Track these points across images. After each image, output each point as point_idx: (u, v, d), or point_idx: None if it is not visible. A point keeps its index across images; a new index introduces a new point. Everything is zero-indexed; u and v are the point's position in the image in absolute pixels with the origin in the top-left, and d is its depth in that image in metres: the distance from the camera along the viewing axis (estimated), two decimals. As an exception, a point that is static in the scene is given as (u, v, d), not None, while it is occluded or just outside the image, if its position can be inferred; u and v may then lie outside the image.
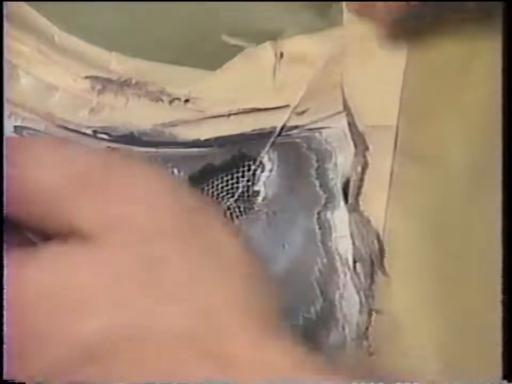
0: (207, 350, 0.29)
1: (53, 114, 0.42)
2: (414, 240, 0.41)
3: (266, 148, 0.42)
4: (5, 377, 0.32)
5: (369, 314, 0.41)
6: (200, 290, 0.31)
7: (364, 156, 0.42)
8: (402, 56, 0.42)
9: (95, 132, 0.43)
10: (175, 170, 0.43)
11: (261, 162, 0.43)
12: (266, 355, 0.29)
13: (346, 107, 0.42)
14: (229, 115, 0.43)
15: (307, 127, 0.43)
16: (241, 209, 0.43)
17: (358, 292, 0.41)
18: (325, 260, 0.42)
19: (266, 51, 0.43)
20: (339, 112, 0.42)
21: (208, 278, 0.31)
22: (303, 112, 0.43)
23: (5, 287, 0.31)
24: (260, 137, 0.43)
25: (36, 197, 0.32)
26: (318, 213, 0.42)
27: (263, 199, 0.43)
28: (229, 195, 0.43)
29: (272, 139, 0.42)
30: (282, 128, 0.42)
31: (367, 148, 0.42)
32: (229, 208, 0.43)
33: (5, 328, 0.31)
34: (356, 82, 0.42)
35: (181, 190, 0.34)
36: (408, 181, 0.42)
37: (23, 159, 0.32)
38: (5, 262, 0.31)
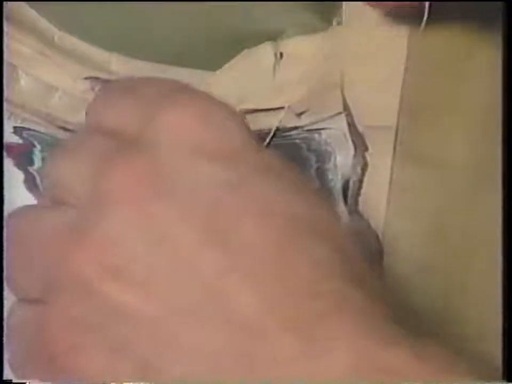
0: None
1: (53, 115, 0.42)
2: (413, 241, 0.41)
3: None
4: (5, 377, 0.32)
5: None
6: None
7: (364, 157, 0.42)
8: (402, 56, 0.42)
9: (95, 132, 0.43)
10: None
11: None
12: None
13: (346, 108, 0.42)
14: (229, 115, 0.42)
15: (306, 128, 0.43)
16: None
17: (357, 293, 0.41)
18: (324, 261, 0.42)
19: (266, 51, 0.43)
20: (339, 113, 0.42)
21: None
22: (302, 112, 0.43)
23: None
24: (260, 137, 0.42)
25: None
26: (318, 214, 0.42)
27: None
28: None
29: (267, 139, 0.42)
30: (277, 130, 0.42)
31: (366, 149, 0.42)
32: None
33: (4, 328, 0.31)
34: (355, 82, 0.42)
35: None
36: (408, 181, 0.42)
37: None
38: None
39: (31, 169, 0.42)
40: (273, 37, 0.43)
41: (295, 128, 0.43)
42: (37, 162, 0.42)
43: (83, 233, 0.29)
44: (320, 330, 0.28)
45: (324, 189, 0.42)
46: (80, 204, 0.30)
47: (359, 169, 0.42)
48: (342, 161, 0.42)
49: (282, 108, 0.43)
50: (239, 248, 0.28)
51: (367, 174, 0.42)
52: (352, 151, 0.42)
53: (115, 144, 0.31)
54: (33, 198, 0.42)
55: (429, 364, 0.28)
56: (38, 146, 0.42)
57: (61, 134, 0.42)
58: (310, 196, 0.32)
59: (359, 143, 0.42)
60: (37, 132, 0.42)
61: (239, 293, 0.28)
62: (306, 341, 0.27)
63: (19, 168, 0.42)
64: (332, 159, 0.42)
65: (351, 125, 0.42)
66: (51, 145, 0.42)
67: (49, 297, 0.29)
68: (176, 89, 0.32)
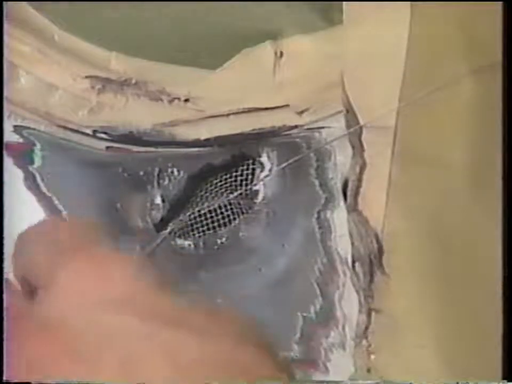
0: None
1: (53, 113, 0.43)
2: (412, 240, 0.41)
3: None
4: (5, 377, 0.32)
5: (369, 314, 0.41)
6: None
7: (362, 156, 0.42)
8: (402, 57, 0.42)
9: (94, 131, 0.43)
10: (175, 170, 0.43)
11: (260, 162, 0.43)
12: None
13: (345, 107, 0.42)
14: (229, 115, 0.43)
15: (307, 127, 0.43)
16: (241, 208, 0.43)
17: (357, 291, 0.41)
18: (324, 260, 0.42)
19: (266, 50, 0.43)
20: (339, 112, 0.42)
21: None
22: (302, 111, 0.43)
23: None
24: (260, 136, 0.43)
25: None
26: (318, 213, 0.42)
27: (263, 199, 0.43)
28: (229, 194, 0.43)
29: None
30: (278, 129, 0.42)
31: (363, 149, 0.42)
32: (228, 208, 0.43)
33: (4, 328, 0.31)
34: (355, 82, 0.42)
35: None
36: (406, 180, 0.42)
37: None
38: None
39: (31, 168, 0.42)
40: (274, 35, 0.43)
41: (296, 127, 0.43)
42: (37, 161, 0.42)
43: None
44: None
45: (324, 188, 0.42)
46: None
47: (357, 169, 0.42)
48: (342, 160, 0.42)
49: (282, 107, 0.43)
50: None
51: (366, 173, 0.42)
52: (350, 151, 0.42)
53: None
54: (32, 196, 0.42)
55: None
56: (38, 145, 0.43)
57: (61, 133, 0.42)
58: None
59: (357, 143, 0.42)
60: (37, 130, 0.43)
61: None
62: None
63: (19, 167, 0.42)
64: (332, 158, 0.42)
65: (350, 125, 0.42)
66: (51, 144, 0.42)
67: None
68: (77, 245, 0.33)
